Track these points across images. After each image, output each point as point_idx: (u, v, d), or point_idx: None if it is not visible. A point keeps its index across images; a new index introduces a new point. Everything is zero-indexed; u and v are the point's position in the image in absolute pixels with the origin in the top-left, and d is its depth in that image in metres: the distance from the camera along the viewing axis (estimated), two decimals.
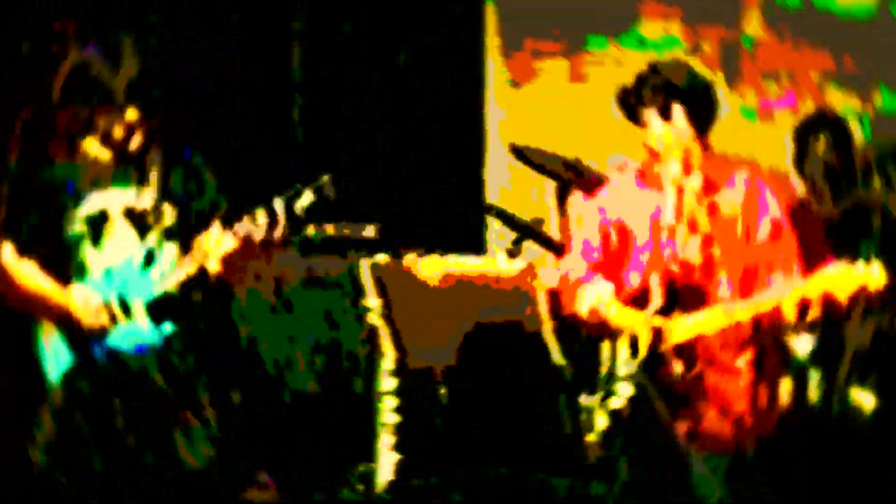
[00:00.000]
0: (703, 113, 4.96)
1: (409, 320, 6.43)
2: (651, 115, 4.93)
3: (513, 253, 5.91)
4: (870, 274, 4.60)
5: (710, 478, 4.89)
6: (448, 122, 7.63)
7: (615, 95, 5.01)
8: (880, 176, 5.87)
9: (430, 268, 6.51)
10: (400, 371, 6.39)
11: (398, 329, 6.41)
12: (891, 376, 5.64)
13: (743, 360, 4.92)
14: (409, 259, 6.51)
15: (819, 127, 6.14)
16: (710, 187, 4.97)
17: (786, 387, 5.39)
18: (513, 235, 5.81)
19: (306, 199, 4.84)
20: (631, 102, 4.97)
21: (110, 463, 4.83)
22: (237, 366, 6.32)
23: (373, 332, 6.43)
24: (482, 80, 7.72)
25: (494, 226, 7.17)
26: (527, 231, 5.72)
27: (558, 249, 5.48)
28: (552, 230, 5.82)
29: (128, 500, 4.82)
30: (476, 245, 7.35)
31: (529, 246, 5.80)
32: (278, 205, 4.83)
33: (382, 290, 6.44)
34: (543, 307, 6.09)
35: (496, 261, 6.57)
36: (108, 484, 4.82)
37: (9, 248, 4.92)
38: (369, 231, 5.36)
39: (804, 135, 6.15)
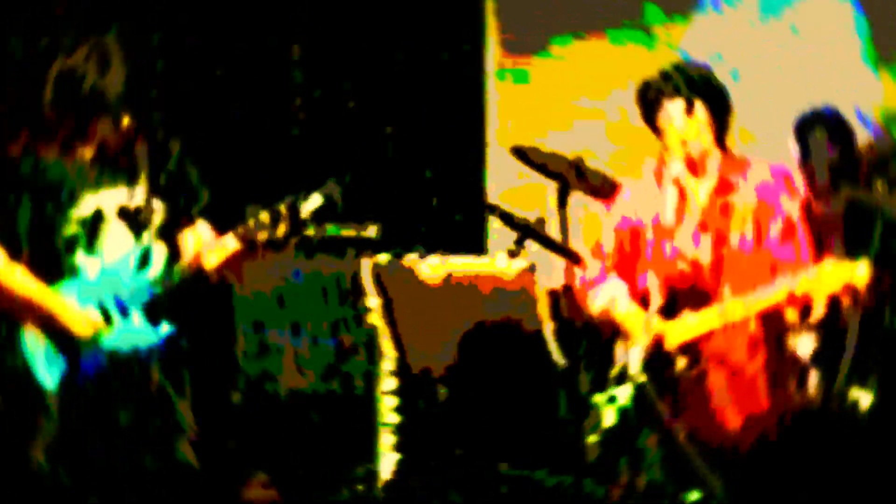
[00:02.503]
0: (721, 113, 4.96)
1: (410, 320, 6.43)
2: (673, 108, 4.91)
3: (514, 253, 5.90)
4: (855, 271, 4.60)
5: (711, 477, 4.89)
6: (448, 122, 7.63)
7: (636, 89, 5.00)
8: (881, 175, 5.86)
9: (431, 268, 6.50)
10: (400, 371, 6.39)
11: (398, 329, 6.40)
12: (890, 375, 5.63)
13: (742, 359, 4.93)
14: (410, 259, 6.51)
15: (819, 123, 6.11)
16: (724, 187, 4.96)
17: (785, 385, 5.39)
18: (514, 235, 5.80)
19: (313, 202, 4.81)
20: (651, 96, 4.96)
21: (110, 463, 4.82)
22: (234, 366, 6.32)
23: (372, 332, 6.42)
24: (482, 80, 7.72)
25: (495, 225, 7.16)
26: (528, 231, 5.71)
27: (559, 249, 5.48)
28: (553, 230, 5.81)
29: (128, 500, 4.82)
30: (476, 245, 7.34)
31: (530, 246, 5.79)
32: (284, 207, 4.80)
33: (382, 290, 6.43)
34: (544, 308, 6.09)
35: (496, 261, 6.56)
36: (109, 484, 4.81)
37: None
38: (370, 231, 5.35)
39: (804, 130, 6.12)
